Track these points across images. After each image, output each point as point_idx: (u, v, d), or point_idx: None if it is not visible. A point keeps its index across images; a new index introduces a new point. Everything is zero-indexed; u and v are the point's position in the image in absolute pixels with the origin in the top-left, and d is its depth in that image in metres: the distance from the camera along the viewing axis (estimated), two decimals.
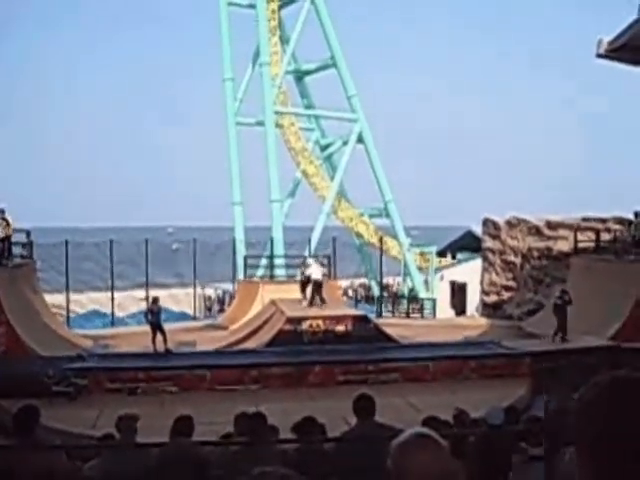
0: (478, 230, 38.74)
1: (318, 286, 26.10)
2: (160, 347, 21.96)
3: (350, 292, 46.78)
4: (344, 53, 41.38)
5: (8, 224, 24.30)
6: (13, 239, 25.21)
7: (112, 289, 34.61)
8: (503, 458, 6.30)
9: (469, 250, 40.92)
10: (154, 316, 22.23)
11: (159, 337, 21.99)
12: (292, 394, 18.55)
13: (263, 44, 39.19)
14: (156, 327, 22.10)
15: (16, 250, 25.97)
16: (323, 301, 25.88)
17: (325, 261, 31.45)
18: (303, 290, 26.83)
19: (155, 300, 22.85)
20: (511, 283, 34.87)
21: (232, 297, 36.04)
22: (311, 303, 25.92)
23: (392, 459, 1.93)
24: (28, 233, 27.10)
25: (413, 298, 39.34)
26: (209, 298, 42.22)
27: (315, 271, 26.27)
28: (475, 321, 32.92)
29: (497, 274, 35.46)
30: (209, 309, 40.89)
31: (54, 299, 32.31)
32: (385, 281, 42.37)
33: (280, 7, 41.13)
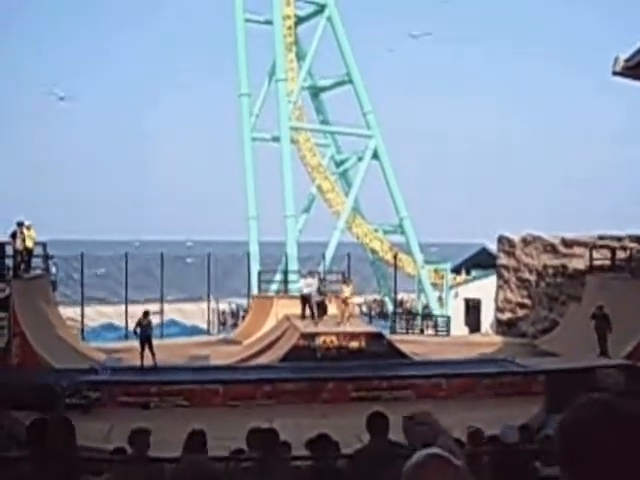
0: (493, 247, 38.65)
1: (306, 300, 26.57)
2: (149, 362, 21.92)
3: (364, 308, 46.67)
4: (360, 70, 41.55)
5: (25, 237, 24.46)
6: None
7: (126, 302, 34.70)
8: (518, 477, 6.26)
9: (484, 267, 40.78)
10: (143, 330, 22.07)
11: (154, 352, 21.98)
12: (305, 410, 18.52)
13: (279, 60, 39.39)
14: (145, 341, 21.96)
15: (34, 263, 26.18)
16: (312, 316, 26.19)
17: (316, 275, 31.38)
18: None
19: (146, 314, 22.60)
20: (526, 301, 34.70)
21: (246, 312, 36.06)
22: (303, 316, 26.41)
23: (407, 479, 1.92)
24: (44, 246, 27.25)
25: (427, 315, 39.24)
26: (223, 313, 42.26)
27: (306, 286, 26.91)
28: (489, 339, 32.76)
29: (512, 291, 35.31)
30: (223, 324, 40.90)
31: (69, 312, 32.41)
32: (399, 298, 42.30)
33: (296, 24, 41.36)
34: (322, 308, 25.96)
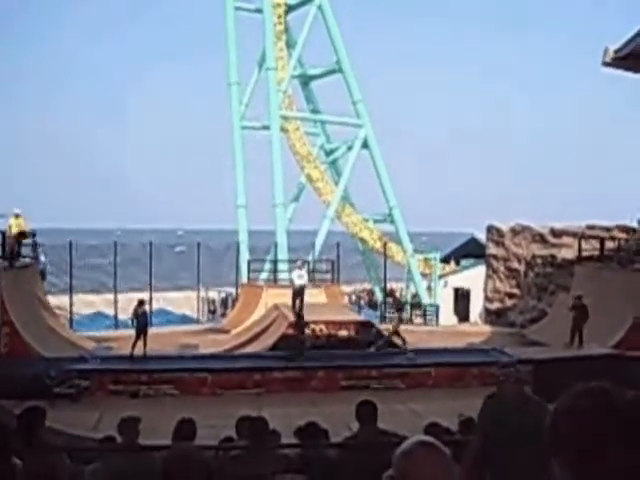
0: (482, 237, 38.74)
1: (299, 293, 25.38)
2: (139, 351, 21.81)
3: (353, 297, 46.73)
4: (350, 58, 41.46)
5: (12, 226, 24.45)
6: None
7: (115, 291, 34.64)
8: None
9: (473, 257, 40.88)
10: (139, 319, 22.04)
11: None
12: (294, 399, 18.54)
13: (269, 48, 39.25)
14: (141, 331, 21.89)
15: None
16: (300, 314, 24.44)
17: (305, 265, 30.37)
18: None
19: (141, 303, 22.50)
20: (515, 290, 34.83)
21: (235, 300, 36.04)
22: (294, 311, 24.84)
23: (396, 467, 1.93)
24: (34, 234, 27.15)
25: (416, 304, 39.31)
26: (212, 301, 42.21)
27: (297, 277, 25.74)
28: (478, 328, 32.88)
29: (501, 281, 35.43)
30: (212, 312, 40.87)
31: (58, 300, 32.34)
32: (389, 287, 42.33)
33: (286, 12, 41.18)
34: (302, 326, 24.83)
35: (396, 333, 23.80)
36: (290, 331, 23.80)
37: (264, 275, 36.88)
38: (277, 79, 39.01)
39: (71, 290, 33.18)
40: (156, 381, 19.81)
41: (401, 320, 23.96)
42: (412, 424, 11.75)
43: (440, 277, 40.97)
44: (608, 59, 21.62)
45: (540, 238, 34.08)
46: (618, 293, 23.45)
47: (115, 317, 34.08)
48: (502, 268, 35.26)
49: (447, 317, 37.35)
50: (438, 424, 7.34)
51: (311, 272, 30.15)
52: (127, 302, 36.93)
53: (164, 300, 41.78)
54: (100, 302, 40.57)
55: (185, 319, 38.34)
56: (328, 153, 44.43)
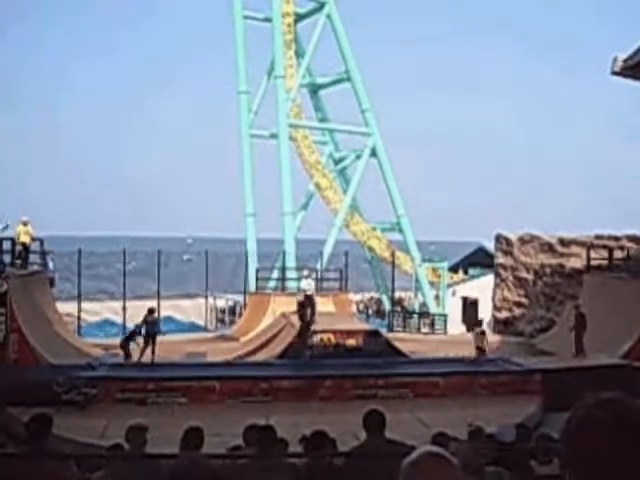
0: (490, 246, 38.67)
1: (309, 300, 24.49)
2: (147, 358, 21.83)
3: (361, 306, 46.67)
4: (359, 67, 41.55)
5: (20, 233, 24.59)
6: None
7: (124, 298, 34.70)
8: (514, 476, 6.25)
9: (481, 266, 40.81)
10: (149, 327, 22.05)
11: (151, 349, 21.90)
12: (302, 407, 18.50)
13: (278, 57, 39.36)
14: (149, 338, 21.93)
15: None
16: (310, 318, 24.12)
17: (313, 273, 30.28)
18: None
19: (151, 311, 22.56)
20: (523, 300, 34.72)
21: (243, 309, 36.06)
22: (304, 318, 24.13)
23: (403, 477, 1.92)
24: (42, 242, 27.23)
25: (424, 313, 39.24)
26: (222, 310, 42.23)
27: (307, 285, 25.19)
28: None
29: (509, 290, 35.33)
30: (220, 320, 40.88)
31: (66, 307, 32.41)
32: (397, 296, 42.28)
33: (296, 21, 41.33)
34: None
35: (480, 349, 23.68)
36: (298, 340, 23.78)
37: (272, 283, 36.92)
38: (286, 87, 39.12)
39: (79, 297, 33.26)
40: (164, 389, 19.78)
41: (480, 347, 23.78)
42: (420, 433, 11.71)
43: (448, 286, 40.91)
44: (617, 68, 21.57)
45: (548, 247, 34.00)
46: (627, 302, 23.35)
47: (123, 324, 34.12)
48: (510, 277, 35.17)
49: (455, 326, 37.24)
50: (446, 433, 7.31)
51: (319, 280, 30.03)
52: (135, 310, 37.01)
53: (172, 308, 41.81)
54: (108, 309, 40.63)
55: (193, 327, 38.36)
56: (337, 161, 44.48)
